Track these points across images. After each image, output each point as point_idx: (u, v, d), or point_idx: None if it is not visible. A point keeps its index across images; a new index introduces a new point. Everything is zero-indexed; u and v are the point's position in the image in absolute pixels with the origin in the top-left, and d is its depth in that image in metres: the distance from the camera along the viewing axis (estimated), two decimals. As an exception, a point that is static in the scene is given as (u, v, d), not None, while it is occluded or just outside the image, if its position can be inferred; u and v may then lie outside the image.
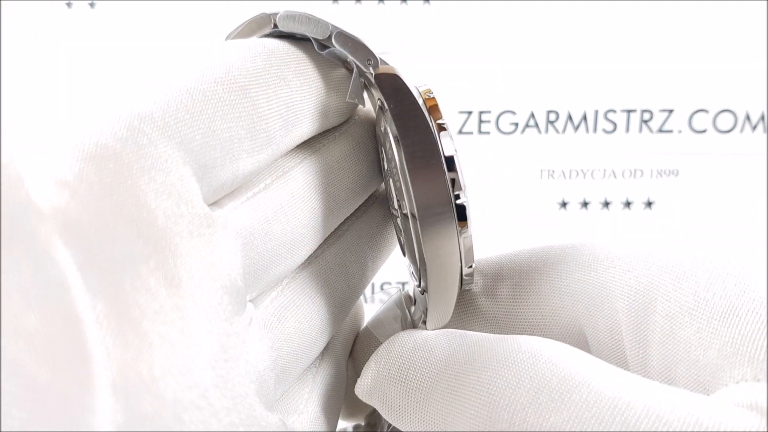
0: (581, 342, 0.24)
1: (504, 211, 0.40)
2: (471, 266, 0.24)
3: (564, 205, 0.51)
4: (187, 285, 0.20)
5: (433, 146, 0.23)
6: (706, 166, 0.50)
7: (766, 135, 0.49)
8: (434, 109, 0.23)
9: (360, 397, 0.24)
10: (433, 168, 0.23)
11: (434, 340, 0.23)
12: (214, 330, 0.21)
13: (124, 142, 0.19)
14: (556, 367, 0.20)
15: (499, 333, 0.26)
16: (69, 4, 0.49)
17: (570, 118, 0.49)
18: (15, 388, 0.13)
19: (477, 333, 0.23)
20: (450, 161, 0.23)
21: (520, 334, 0.25)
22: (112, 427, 0.16)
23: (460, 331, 0.24)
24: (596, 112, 0.49)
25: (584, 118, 0.49)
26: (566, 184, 0.50)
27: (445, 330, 0.24)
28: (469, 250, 0.24)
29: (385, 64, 0.24)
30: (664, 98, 0.48)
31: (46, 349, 0.15)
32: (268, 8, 0.30)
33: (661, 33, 0.47)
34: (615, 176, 0.50)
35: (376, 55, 0.24)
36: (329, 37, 0.24)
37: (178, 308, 0.19)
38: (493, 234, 0.29)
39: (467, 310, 0.27)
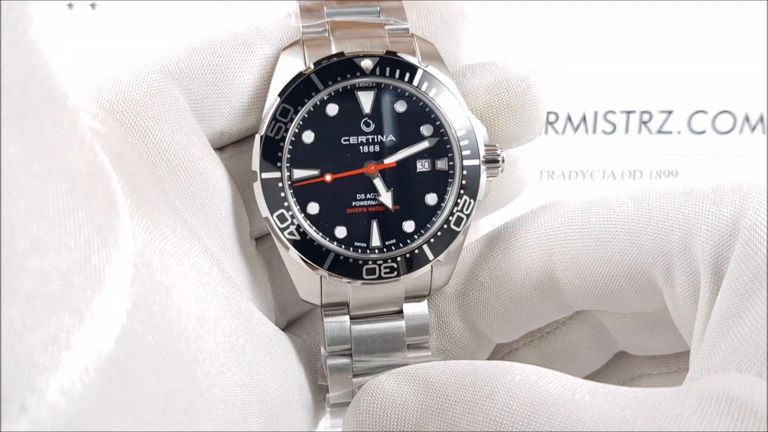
0: (653, 290, 0.24)
1: (504, 211, 0.40)
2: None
3: (563, 205, 0.51)
4: (183, 200, 0.23)
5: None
6: (705, 167, 0.50)
7: (765, 136, 0.49)
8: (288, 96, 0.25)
9: None
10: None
11: (404, 404, 0.22)
12: (212, 242, 0.24)
13: (136, 84, 0.24)
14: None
15: (563, 295, 0.26)
16: (70, 5, 0.49)
17: (569, 119, 0.49)
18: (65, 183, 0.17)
19: (450, 381, 0.22)
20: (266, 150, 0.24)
21: (586, 285, 0.25)
22: (132, 244, 0.19)
23: (428, 386, 0.22)
24: (596, 113, 0.49)
25: (584, 119, 0.49)
26: (566, 185, 0.50)
27: (413, 385, 0.22)
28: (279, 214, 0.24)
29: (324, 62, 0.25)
30: (664, 99, 0.48)
31: (82, 174, 0.18)
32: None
33: (661, 34, 0.47)
34: (614, 177, 0.50)
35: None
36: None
37: (176, 213, 0.23)
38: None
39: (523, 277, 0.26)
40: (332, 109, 0.25)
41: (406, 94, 0.26)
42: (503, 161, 0.26)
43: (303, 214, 0.25)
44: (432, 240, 0.26)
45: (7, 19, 0.17)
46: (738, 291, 0.20)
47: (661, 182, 0.25)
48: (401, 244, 0.25)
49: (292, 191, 0.24)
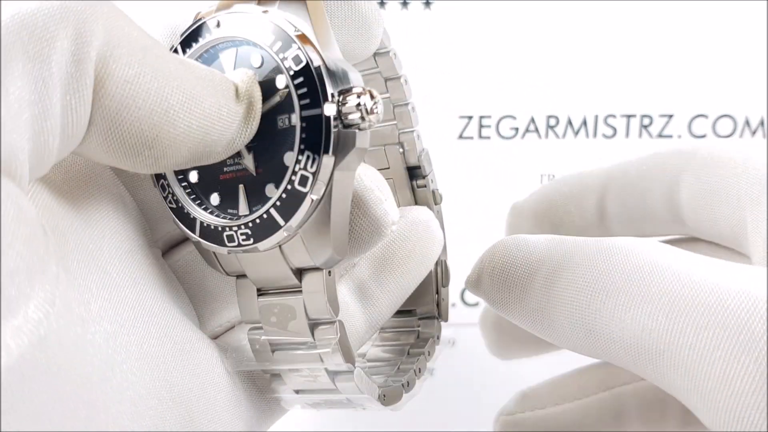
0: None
1: (504, 215, 0.40)
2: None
3: (564, 209, 0.51)
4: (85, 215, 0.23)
5: None
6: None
7: (765, 140, 0.49)
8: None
9: (468, 290, 0.28)
10: None
11: (534, 243, 0.26)
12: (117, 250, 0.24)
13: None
14: (645, 257, 0.23)
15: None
16: (74, 8, 0.49)
17: (570, 122, 0.49)
18: None
19: (578, 237, 0.25)
20: None
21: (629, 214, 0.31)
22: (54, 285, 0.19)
23: (559, 236, 0.26)
24: (596, 116, 0.49)
25: (584, 122, 0.49)
26: (566, 189, 0.50)
27: (546, 235, 0.26)
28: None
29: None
30: (664, 103, 0.48)
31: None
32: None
33: (661, 37, 0.47)
34: (615, 181, 0.50)
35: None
36: None
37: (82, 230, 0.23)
38: (493, 238, 0.29)
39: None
40: None
41: (256, 44, 0.23)
42: (369, 111, 0.21)
43: (180, 184, 0.24)
44: (278, 203, 0.22)
45: None
46: None
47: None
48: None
49: None
